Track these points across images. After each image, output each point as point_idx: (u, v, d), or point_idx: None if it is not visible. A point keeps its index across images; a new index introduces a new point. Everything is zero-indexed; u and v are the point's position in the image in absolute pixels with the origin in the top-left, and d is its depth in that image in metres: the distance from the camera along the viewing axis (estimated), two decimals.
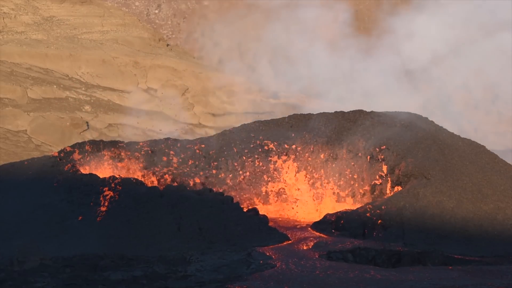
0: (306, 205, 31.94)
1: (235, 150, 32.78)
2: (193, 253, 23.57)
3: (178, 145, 33.25)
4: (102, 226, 25.67)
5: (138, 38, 60.50)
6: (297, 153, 32.72)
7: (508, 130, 51.72)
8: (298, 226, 28.91)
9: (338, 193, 31.83)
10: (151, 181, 32.03)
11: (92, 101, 53.73)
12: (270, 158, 32.73)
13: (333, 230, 27.33)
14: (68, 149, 32.10)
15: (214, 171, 32.33)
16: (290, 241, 25.99)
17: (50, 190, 28.08)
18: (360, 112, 33.59)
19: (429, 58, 50.56)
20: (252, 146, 32.88)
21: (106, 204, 26.63)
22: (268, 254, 23.55)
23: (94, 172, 30.00)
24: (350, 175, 31.69)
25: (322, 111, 34.51)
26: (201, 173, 32.15)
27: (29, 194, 27.97)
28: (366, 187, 31.13)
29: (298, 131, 33.12)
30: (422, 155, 29.73)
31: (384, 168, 30.71)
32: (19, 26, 57.93)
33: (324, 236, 26.74)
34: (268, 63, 51.45)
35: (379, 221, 27.14)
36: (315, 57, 50.50)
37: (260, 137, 33.16)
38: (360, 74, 49.31)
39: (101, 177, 28.63)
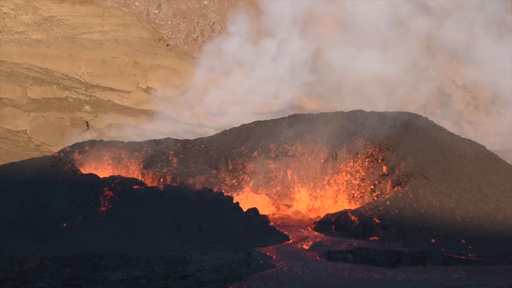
0: (306, 205, 31.94)
1: (235, 150, 32.77)
2: (193, 253, 23.56)
3: (178, 145, 33.25)
4: (102, 226, 25.67)
5: (138, 38, 60.48)
6: (297, 153, 32.71)
7: (508, 130, 51.69)
8: (298, 226, 28.90)
9: (338, 193, 31.83)
10: (151, 181, 32.03)
11: (92, 101, 53.72)
12: (270, 158, 32.71)
13: (333, 230, 27.34)
14: (68, 149, 32.12)
15: (214, 171, 32.31)
16: (290, 241, 25.99)
17: (50, 190, 28.09)
18: (360, 112, 33.61)
19: None
20: (252, 146, 32.87)
21: (106, 204, 26.64)
22: (268, 254, 23.55)
23: (94, 172, 30.01)
24: (350, 175, 31.69)
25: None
26: (201, 173, 32.14)
27: (29, 194, 27.97)
28: (366, 187, 31.13)
29: (298, 131, 33.12)
30: (422, 155, 29.76)
31: (384, 168, 30.73)
32: (19, 26, 57.92)
33: (324, 236, 26.75)
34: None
35: (379, 221, 27.15)
36: None
37: (260, 137, 33.16)
38: None
39: (101, 177, 28.65)
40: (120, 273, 21.18)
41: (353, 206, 30.53)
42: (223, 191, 31.09)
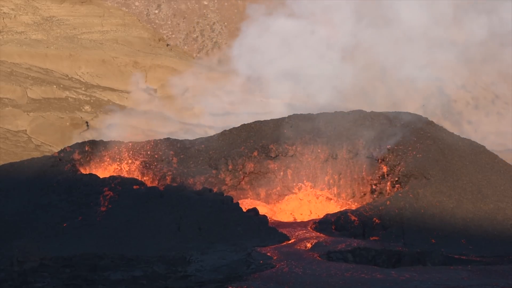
0: (306, 205, 31.94)
1: (235, 150, 32.77)
2: (193, 253, 23.57)
3: (178, 145, 33.24)
4: (102, 226, 25.67)
5: (138, 38, 60.53)
6: (297, 153, 32.72)
7: (508, 130, 51.72)
8: (298, 226, 28.91)
9: (338, 193, 31.84)
10: (151, 181, 32.03)
11: (92, 101, 53.75)
12: (270, 158, 32.72)
13: (333, 230, 27.34)
14: (68, 149, 32.10)
15: (214, 171, 32.32)
16: (290, 241, 25.99)
17: (50, 190, 28.09)
18: (360, 112, 33.61)
19: None
20: (252, 146, 32.87)
21: (106, 204, 26.64)
22: (268, 254, 23.55)
23: (94, 172, 30.00)
24: (350, 175, 31.70)
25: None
26: (201, 173, 32.14)
27: (29, 194, 27.97)
28: (366, 187, 31.14)
29: (298, 131, 33.12)
30: (422, 155, 29.76)
31: (384, 168, 30.73)
32: (19, 26, 57.96)
33: (324, 236, 26.74)
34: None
35: (379, 221, 27.15)
36: None
37: (260, 137, 33.16)
38: None
39: (101, 177, 28.65)
40: (120, 273, 21.19)
41: (353, 206, 30.54)
42: (223, 191, 31.11)
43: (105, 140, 33.93)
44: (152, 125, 50.64)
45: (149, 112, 52.73)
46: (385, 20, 46.21)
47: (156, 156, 32.63)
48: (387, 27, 45.89)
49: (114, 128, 49.19)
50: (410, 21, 45.65)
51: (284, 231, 27.17)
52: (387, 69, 47.07)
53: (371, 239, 26.40)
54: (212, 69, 57.48)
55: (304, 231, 27.64)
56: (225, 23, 79.27)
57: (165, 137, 35.25)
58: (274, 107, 49.50)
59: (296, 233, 27.19)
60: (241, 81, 50.38)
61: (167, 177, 31.92)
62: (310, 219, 30.45)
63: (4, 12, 58.37)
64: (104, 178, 28.31)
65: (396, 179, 29.84)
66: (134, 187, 27.72)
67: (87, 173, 29.84)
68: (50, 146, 48.93)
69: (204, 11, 79.24)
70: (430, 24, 46.12)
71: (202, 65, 59.25)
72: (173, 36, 76.56)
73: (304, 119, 33.69)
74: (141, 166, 32.40)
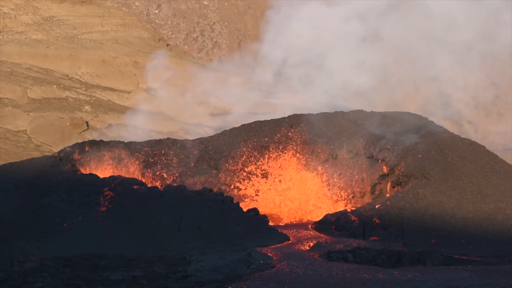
0: (306, 205, 31.95)
1: (235, 150, 32.78)
2: (193, 253, 23.57)
3: (178, 145, 33.25)
4: (102, 226, 25.67)
5: (138, 38, 60.49)
6: (297, 153, 32.72)
7: (508, 130, 51.68)
8: (298, 226, 28.92)
9: (338, 193, 31.83)
10: (151, 181, 32.04)
11: (92, 101, 53.72)
12: (270, 159, 32.72)
13: (333, 230, 27.35)
14: (68, 149, 32.11)
15: (214, 171, 32.32)
16: (290, 241, 26.00)
17: (50, 190, 28.08)
18: (360, 112, 33.61)
19: None
20: (252, 146, 32.88)
21: (106, 204, 26.64)
22: (268, 254, 23.55)
23: (94, 172, 30.00)
24: (350, 175, 31.69)
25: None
26: (201, 173, 32.16)
27: (29, 194, 27.96)
28: (366, 187, 31.13)
29: (298, 131, 33.12)
30: (422, 155, 29.76)
31: (384, 168, 30.73)
32: (19, 26, 57.94)
33: (324, 236, 26.76)
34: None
35: (379, 221, 27.16)
36: None
37: (260, 137, 33.16)
38: None
39: (101, 177, 28.65)
40: (120, 273, 21.19)
41: (353, 206, 30.54)
42: (223, 191, 31.11)
43: (105, 140, 33.93)
44: (152, 125, 50.62)
45: (149, 112, 52.71)
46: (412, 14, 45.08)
47: (156, 156, 32.64)
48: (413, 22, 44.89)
49: (114, 128, 49.18)
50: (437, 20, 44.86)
51: (284, 231, 27.18)
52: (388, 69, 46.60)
53: (371, 239, 26.41)
54: (212, 69, 57.48)
55: (304, 231, 27.66)
56: (225, 23, 79.27)
57: (165, 137, 35.27)
58: (279, 107, 49.24)
59: (296, 233, 27.21)
60: (243, 79, 50.33)
61: (167, 177, 31.93)
62: (310, 219, 30.48)
63: (4, 12, 58.36)
64: (104, 178, 28.32)
65: (396, 179, 29.86)
66: (134, 187, 27.72)
67: (87, 173, 29.85)
68: (50, 146, 48.91)
69: (204, 11, 79.24)
70: (432, 24, 45.81)
71: (203, 65, 59.25)
72: (173, 36, 76.57)
73: (304, 119, 33.70)
74: (141, 166, 32.41)
